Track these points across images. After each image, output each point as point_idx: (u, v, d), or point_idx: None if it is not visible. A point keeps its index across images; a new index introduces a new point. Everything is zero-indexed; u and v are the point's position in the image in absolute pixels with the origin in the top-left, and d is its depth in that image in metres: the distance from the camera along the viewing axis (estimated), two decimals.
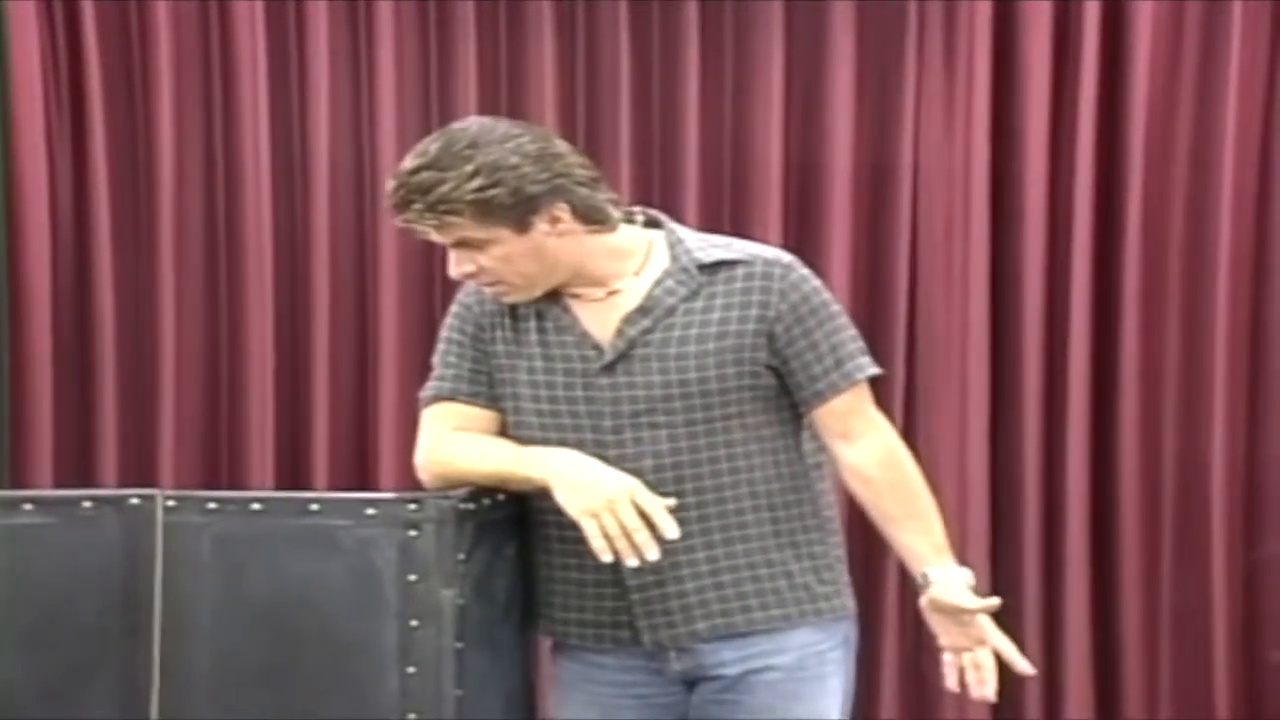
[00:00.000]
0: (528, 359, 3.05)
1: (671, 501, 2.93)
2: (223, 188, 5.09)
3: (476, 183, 2.92)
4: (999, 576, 4.95)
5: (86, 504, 2.92)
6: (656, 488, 2.95)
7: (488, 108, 5.03)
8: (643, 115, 5.01)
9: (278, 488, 4.98)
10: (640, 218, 3.12)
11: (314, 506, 2.90)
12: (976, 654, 3.04)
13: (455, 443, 3.07)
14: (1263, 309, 4.93)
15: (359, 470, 5.12)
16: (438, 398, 3.12)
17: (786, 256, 3.08)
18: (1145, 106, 4.86)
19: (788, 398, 3.06)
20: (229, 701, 2.88)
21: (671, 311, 3.02)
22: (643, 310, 3.02)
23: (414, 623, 2.85)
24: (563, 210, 2.98)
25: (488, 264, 2.98)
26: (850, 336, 3.07)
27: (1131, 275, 4.90)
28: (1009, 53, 4.94)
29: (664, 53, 5.03)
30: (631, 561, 2.90)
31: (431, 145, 2.96)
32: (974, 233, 4.93)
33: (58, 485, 4.92)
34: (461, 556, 2.88)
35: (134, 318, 5.10)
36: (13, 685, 2.90)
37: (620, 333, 3.01)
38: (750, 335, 3.01)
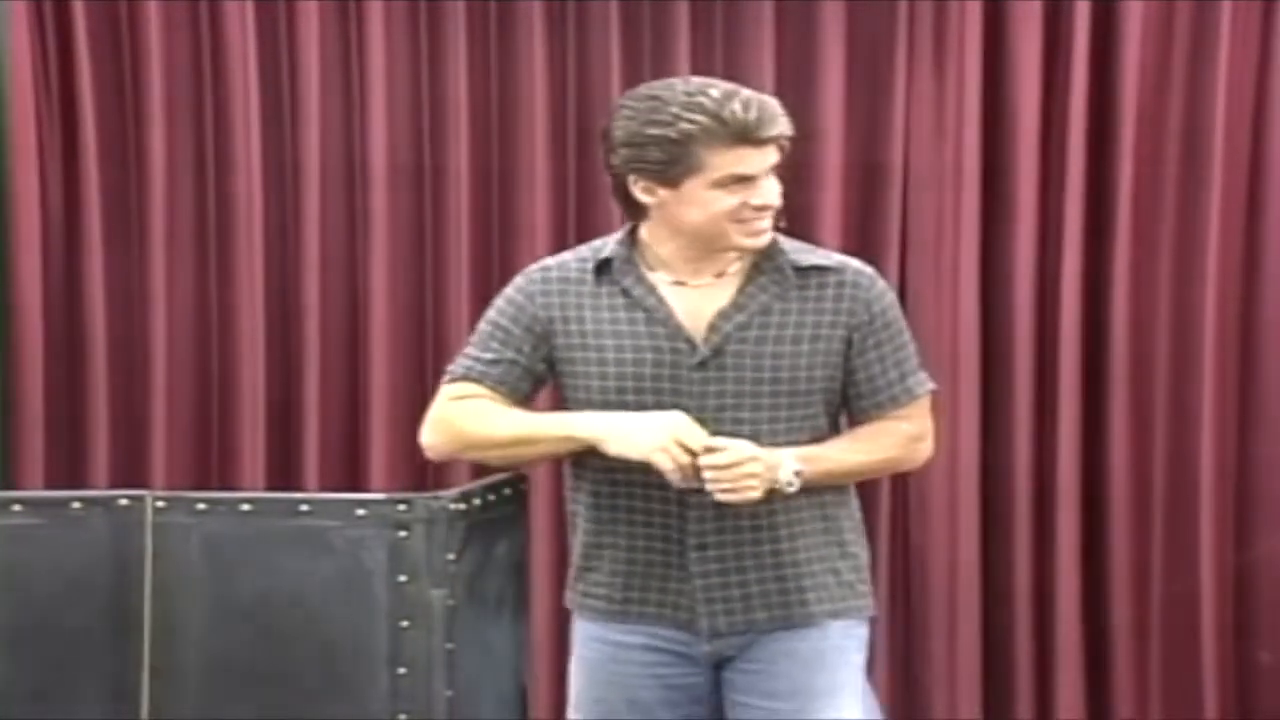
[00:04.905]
0: (615, 350, 3.07)
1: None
2: (214, 189, 5.07)
3: None
4: (990, 574, 4.96)
5: (76, 505, 2.93)
6: None
7: (479, 107, 5.03)
8: None
9: (268, 489, 4.97)
10: None
11: (304, 507, 2.91)
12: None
13: (473, 406, 3.07)
14: (1253, 307, 4.92)
15: (349, 471, 5.11)
16: (466, 377, 3.11)
17: (869, 267, 3.17)
18: (1135, 106, 4.86)
19: (836, 404, 3.13)
20: (219, 702, 2.88)
21: (767, 310, 3.08)
22: (737, 306, 3.07)
23: (404, 623, 2.85)
24: None
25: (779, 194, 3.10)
26: (914, 352, 3.18)
27: (1122, 274, 4.90)
28: (1000, 52, 4.93)
29: (655, 52, 5.02)
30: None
31: (729, 83, 3.10)
32: (965, 232, 4.93)
33: (49, 487, 4.91)
34: (451, 557, 2.88)
35: (125, 319, 5.09)
36: (2, 685, 2.89)
37: (714, 328, 3.06)
38: (838, 341, 3.09)
